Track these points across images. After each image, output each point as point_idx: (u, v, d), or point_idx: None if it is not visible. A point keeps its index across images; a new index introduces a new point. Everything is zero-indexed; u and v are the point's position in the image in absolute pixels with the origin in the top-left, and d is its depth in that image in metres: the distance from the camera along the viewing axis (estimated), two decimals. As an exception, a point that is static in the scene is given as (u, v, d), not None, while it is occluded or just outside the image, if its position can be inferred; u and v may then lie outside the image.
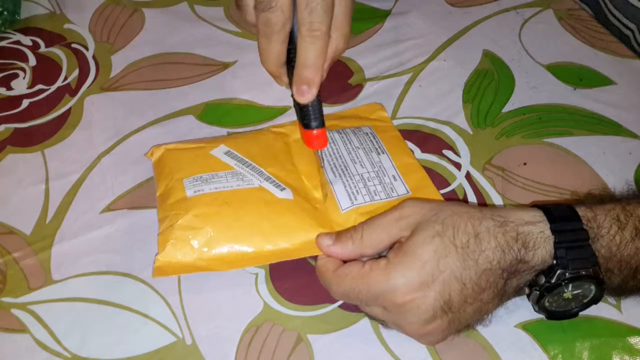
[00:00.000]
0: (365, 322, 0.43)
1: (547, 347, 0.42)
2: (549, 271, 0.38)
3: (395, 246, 0.39)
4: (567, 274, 0.38)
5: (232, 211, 0.44)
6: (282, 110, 0.56)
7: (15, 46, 0.62)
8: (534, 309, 0.41)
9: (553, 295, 0.39)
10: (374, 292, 0.38)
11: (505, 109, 0.55)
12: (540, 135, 0.53)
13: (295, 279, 0.45)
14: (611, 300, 0.44)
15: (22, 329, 0.43)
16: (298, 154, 0.50)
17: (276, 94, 0.56)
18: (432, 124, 0.54)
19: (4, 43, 0.62)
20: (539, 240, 0.38)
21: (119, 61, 0.60)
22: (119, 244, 0.47)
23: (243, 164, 0.47)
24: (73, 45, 0.62)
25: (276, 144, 0.50)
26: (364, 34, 0.61)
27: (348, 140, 0.50)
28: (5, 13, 0.62)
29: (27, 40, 0.62)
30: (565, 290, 0.39)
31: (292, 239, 0.44)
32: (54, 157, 0.53)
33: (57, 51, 0.61)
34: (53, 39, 0.62)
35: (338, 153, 0.49)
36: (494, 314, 0.40)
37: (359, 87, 0.57)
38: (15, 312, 0.44)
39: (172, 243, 0.43)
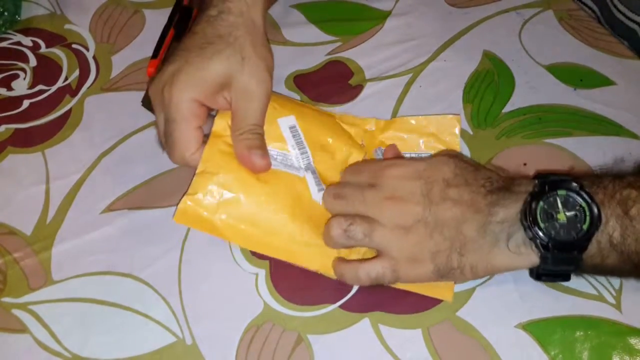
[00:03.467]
0: (365, 322, 0.43)
1: (547, 347, 0.42)
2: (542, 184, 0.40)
3: None
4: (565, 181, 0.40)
5: (268, 191, 0.44)
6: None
7: (16, 47, 0.62)
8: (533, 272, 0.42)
9: (547, 213, 0.39)
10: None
11: (506, 109, 0.55)
12: (540, 135, 0.53)
13: (295, 279, 0.45)
14: (611, 300, 0.44)
15: (22, 329, 0.43)
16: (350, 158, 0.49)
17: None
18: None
19: (4, 44, 0.62)
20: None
21: (120, 62, 0.60)
22: (120, 244, 0.47)
23: (299, 148, 0.47)
24: (73, 46, 0.62)
25: (338, 135, 0.49)
26: (364, 34, 0.61)
27: None
28: (5, 14, 0.62)
29: (27, 40, 0.62)
30: (558, 212, 0.39)
31: (308, 253, 0.44)
32: (54, 158, 0.53)
33: (58, 52, 0.61)
34: (53, 39, 0.62)
35: None
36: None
37: (359, 87, 0.57)
38: (16, 312, 0.44)
39: (203, 194, 0.43)
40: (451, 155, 0.45)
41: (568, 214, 0.40)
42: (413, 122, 0.51)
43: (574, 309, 0.43)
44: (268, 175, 0.45)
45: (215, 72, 0.44)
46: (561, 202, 0.40)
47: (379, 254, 0.42)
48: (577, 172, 0.45)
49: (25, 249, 0.47)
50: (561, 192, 0.40)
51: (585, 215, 0.39)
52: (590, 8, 0.65)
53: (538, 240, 0.39)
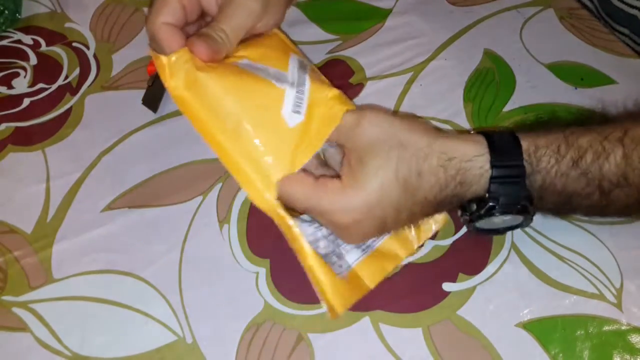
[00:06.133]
0: (365, 320, 0.43)
1: (548, 347, 0.42)
2: (479, 200, 0.41)
3: (345, 170, 0.41)
4: (497, 206, 0.40)
5: (236, 81, 0.42)
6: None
7: (16, 45, 0.62)
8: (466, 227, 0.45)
9: (483, 219, 0.42)
10: (323, 207, 0.40)
11: (506, 108, 0.55)
12: (541, 134, 0.53)
13: (296, 278, 0.45)
14: (611, 299, 0.44)
15: (22, 327, 0.43)
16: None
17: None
18: (433, 123, 0.54)
19: (4, 42, 0.62)
20: (477, 178, 0.40)
21: (120, 60, 0.60)
22: (120, 242, 0.47)
23: (299, 75, 0.44)
24: (74, 44, 0.62)
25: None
26: (365, 33, 0.61)
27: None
28: (6, 12, 0.62)
29: (28, 39, 0.62)
30: (495, 218, 0.42)
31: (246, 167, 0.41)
32: (54, 156, 0.53)
33: (58, 50, 0.61)
34: (54, 37, 0.62)
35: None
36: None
37: (360, 86, 0.57)
38: (16, 310, 0.44)
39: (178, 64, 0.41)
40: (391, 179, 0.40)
41: (504, 219, 0.42)
42: None
43: (574, 307, 0.43)
44: (243, 73, 0.42)
45: None
46: (500, 215, 0.41)
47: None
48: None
49: (25, 247, 0.47)
50: (504, 215, 0.41)
51: (518, 220, 0.43)
52: (585, 4, 0.65)
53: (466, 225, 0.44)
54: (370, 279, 0.44)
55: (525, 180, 0.40)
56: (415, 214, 0.41)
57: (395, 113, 0.55)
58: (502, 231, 0.46)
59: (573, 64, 0.58)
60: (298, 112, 0.42)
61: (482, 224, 0.43)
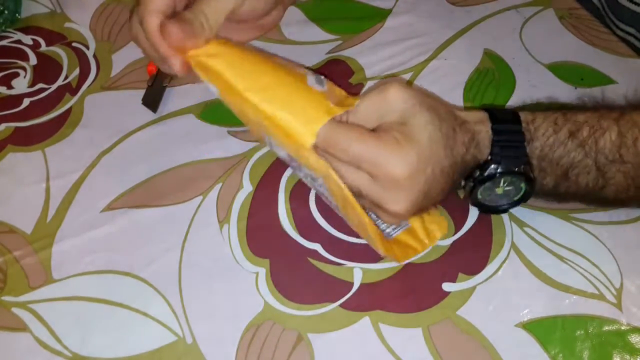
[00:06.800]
0: (365, 320, 0.43)
1: (548, 347, 0.42)
2: (483, 165, 0.42)
3: (395, 126, 0.39)
4: (499, 168, 0.42)
5: (261, 60, 0.42)
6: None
7: (16, 45, 0.62)
8: (469, 202, 0.46)
9: (486, 189, 0.43)
10: (379, 155, 0.38)
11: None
12: (541, 134, 0.53)
13: (296, 278, 0.45)
14: (611, 299, 0.44)
15: (22, 327, 0.43)
16: None
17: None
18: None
19: (4, 42, 0.62)
20: (485, 141, 0.42)
21: (120, 60, 0.60)
22: (120, 242, 0.47)
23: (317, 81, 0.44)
24: (74, 44, 0.62)
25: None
26: (365, 33, 0.61)
27: None
28: (5, 12, 0.62)
29: (27, 39, 0.62)
30: (498, 185, 0.43)
31: (288, 111, 0.40)
32: (54, 156, 0.53)
33: (58, 50, 0.61)
34: (54, 38, 0.62)
35: None
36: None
37: (360, 86, 0.57)
38: (16, 310, 0.44)
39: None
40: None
41: (506, 188, 0.44)
42: None
43: (574, 307, 0.43)
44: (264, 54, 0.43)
45: None
46: (503, 180, 0.43)
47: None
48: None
49: (25, 247, 0.47)
50: (506, 178, 0.43)
51: (520, 189, 0.44)
52: (590, 2, 0.65)
53: (470, 200, 0.45)
54: (402, 254, 0.45)
55: (524, 144, 0.42)
56: (449, 178, 0.41)
57: None
58: (502, 209, 0.46)
59: (573, 63, 0.58)
60: (321, 84, 0.42)
61: (484, 195, 0.44)
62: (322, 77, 0.44)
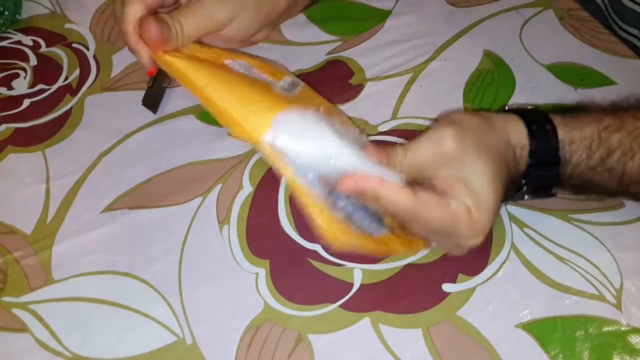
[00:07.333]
0: (365, 321, 0.43)
1: (548, 347, 0.42)
2: (513, 182, 0.43)
3: (458, 186, 0.39)
4: (529, 189, 0.44)
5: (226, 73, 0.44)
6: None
7: (16, 46, 0.62)
8: None
9: (506, 199, 0.46)
10: (460, 233, 0.39)
11: (506, 108, 0.55)
12: (540, 135, 0.53)
13: (295, 278, 0.45)
14: (611, 299, 0.44)
15: (22, 328, 0.43)
16: None
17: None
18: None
19: (4, 43, 0.62)
20: (523, 159, 0.42)
21: (120, 61, 0.60)
22: (120, 243, 0.47)
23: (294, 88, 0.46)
24: (74, 45, 0.62)
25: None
26: (365, 34, 0.61)
27: None
28: (6, 13, 0.62)
29: (27, 40, 0.62)
30: (522, 198, 0.46)
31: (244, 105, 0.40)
32: (54, 157, 0.53)
33: (58, 51, 0.61)
34: (54, 38, 0.62)
35: None
36: None
37: (360, 87, 0.57)
38: (16, 311, 0.44)
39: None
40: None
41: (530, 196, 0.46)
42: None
43: (574, 308, 0.43)
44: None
45: None
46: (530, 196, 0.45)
47: None
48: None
49: (25, 248, 0.47)
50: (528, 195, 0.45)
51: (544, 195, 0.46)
52: (592, 3, 0.65)
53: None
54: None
55: (558, 170, 0.42)
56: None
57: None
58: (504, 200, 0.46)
59: (573, 64, 0.58)
60: (291, 91, 0.44)
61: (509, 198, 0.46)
62: (299, 85, 0.45)
